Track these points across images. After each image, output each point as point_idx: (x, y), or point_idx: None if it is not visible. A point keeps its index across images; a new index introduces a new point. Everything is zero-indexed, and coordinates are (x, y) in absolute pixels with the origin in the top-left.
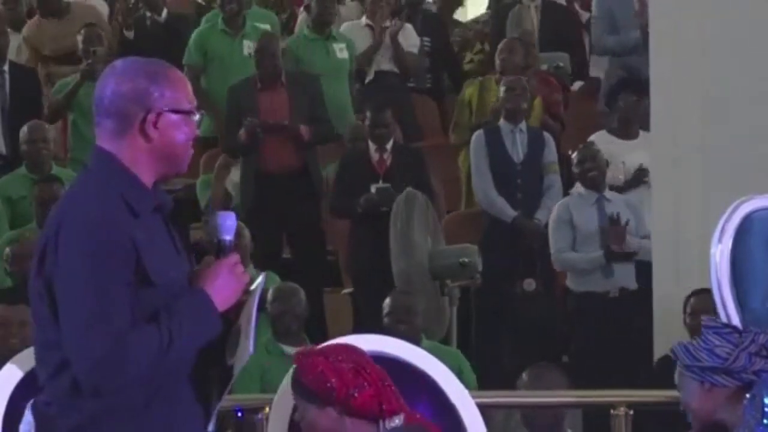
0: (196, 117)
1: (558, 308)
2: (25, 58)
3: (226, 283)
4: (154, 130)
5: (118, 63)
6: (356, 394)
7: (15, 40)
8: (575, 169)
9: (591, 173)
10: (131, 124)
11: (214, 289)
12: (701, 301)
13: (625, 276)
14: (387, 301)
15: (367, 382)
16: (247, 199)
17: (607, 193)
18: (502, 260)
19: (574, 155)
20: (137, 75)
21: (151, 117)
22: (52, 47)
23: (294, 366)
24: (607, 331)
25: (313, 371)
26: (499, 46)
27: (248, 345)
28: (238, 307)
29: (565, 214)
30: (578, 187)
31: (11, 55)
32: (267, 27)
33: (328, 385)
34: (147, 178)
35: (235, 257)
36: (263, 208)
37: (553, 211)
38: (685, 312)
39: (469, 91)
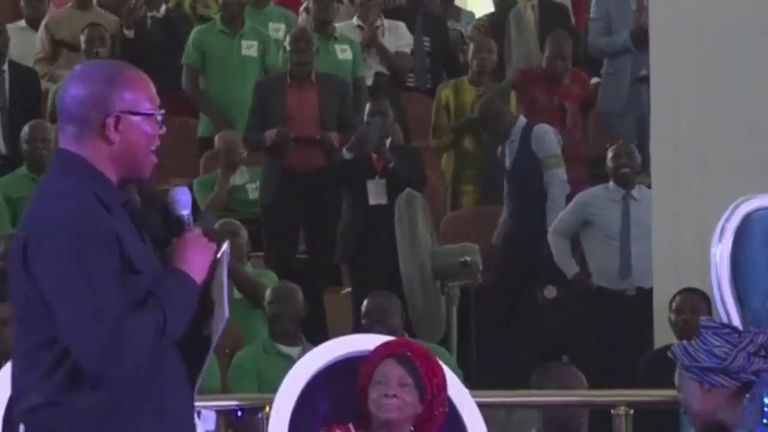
0: (159, 117)
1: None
2: (41, 47)
3: (197, 255)
4: (115, 133)
5: (78, 67)
6: None
7: (30, 36)
8: (609, 164)
9: (623, 170)
10: (92, 128)
11: (188, 264)
12: (686, 299)
13: (642, 276)
14: (365, 302)
15: None
16: (268, 195)
17: (635, 192)
18: (522, 266)
19: (610, 150)
20: (95, 79)
21: (110, 120)
22: (66, 34)
23: None
24: (620, 329)
25: None
26: (472, 46)
27: (224, 312)
28: (209, 278)
29: (588, 206)
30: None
31: (24, 49)
32: (263, 30)
33: None
34: (112, 178)
35: (196, 230)
36: (284, 204)
37: (577, 196)
38: (670, 310)
39: (445, 93)
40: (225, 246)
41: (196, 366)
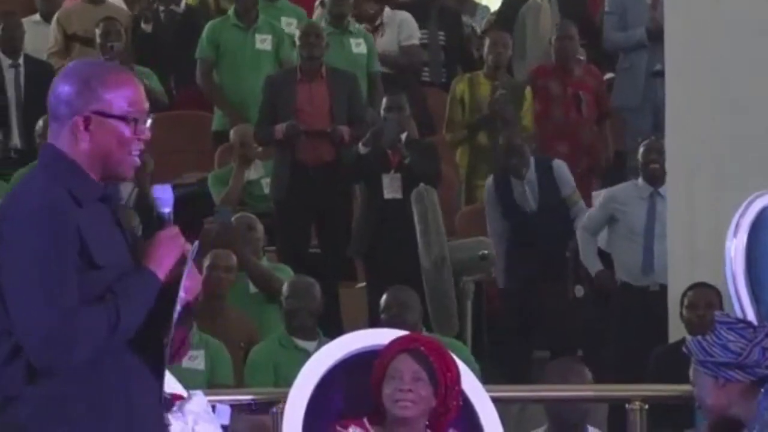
0: (141, 121)
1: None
2: (53, 42)
3: (167, 252)
4: (84, 133)
5: (69, 65)
6: None
7: (45, 30)
8: (639, 159)
9: (653, 165)
10: (64, 126)
11: (156, 261)
12: (700, 295)
13: (665, 273)
14: (384, 296)
15: None
16: (279, 190)
17: (662, 190)
18: (543, 265)
19: (642, 145)
20: (74, 78)
21: (78, 119)
22: (78, 28)
23: None
24: (642, 324)
25: None
26: (488, 41)
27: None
28: (178, 276)
29: (614, 202)
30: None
31: (39, 43)
32: (277, 24)
33: None
34: (92, 174)
35: (174, 229)
36: (296, 199)
37: (604, 192)
38: (682, 306)
39: (460, 87)
40: (195, 245)
41: (162, 355)
